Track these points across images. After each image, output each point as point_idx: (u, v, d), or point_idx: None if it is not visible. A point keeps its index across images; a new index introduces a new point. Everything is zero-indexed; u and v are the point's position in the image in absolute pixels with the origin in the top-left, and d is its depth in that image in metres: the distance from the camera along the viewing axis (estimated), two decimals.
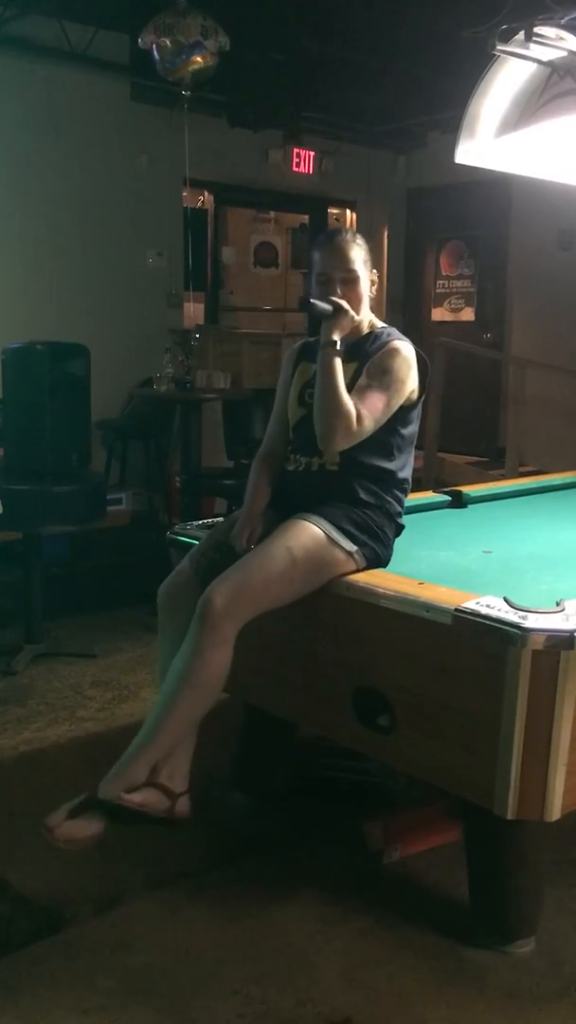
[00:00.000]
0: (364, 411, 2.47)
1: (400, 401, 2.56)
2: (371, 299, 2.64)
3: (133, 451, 6.57)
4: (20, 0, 5.47)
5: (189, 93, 5.20)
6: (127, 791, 2.33)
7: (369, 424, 2.49)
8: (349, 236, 2.63)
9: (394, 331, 2.66)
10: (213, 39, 4.92)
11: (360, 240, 2.64)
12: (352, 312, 2.54)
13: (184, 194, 6.85)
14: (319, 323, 2.61)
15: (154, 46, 4.96)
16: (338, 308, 2.51)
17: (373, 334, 2.64)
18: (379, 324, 2.69)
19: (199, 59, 4.96)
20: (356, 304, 2.57)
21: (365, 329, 2.65)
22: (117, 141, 6.33)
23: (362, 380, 2.53)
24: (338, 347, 2.49)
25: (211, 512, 5.61)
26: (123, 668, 4.12)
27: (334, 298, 2.53)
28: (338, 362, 2.48)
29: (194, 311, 7.46)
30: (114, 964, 2.22)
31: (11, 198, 5.93)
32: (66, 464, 4.16)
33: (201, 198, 7.80)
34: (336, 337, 2.50)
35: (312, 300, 2.53)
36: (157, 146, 6.43)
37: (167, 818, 2.41)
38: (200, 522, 3.02)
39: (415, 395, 2.62)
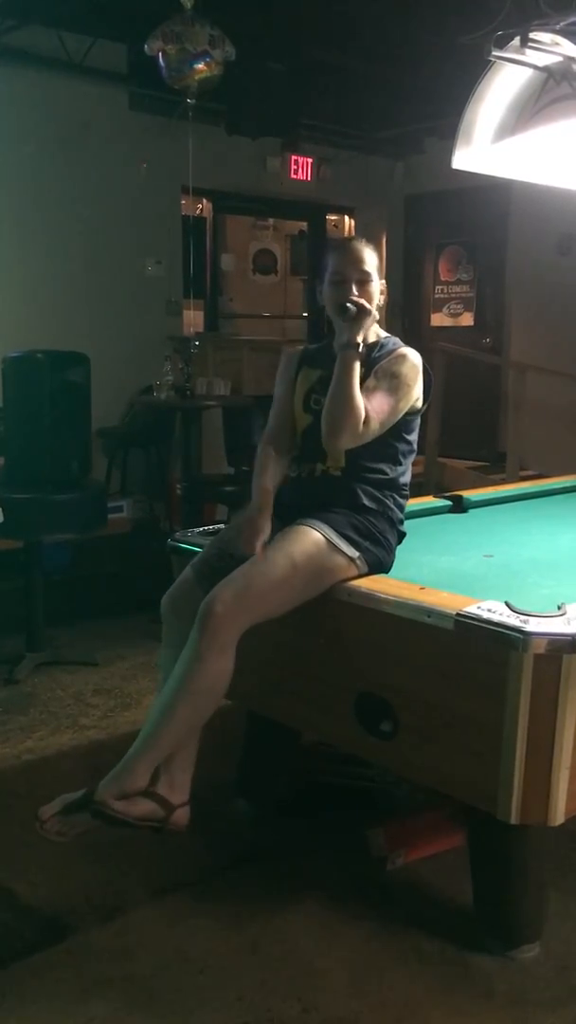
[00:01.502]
0: (372, 413, 2.50)
1: (407, 406, 2.58)
2: (379, 308, 2.63)
3: (134, 459, 6.58)
4: (18, 11, 5.49)
5: (194, 101, 5.21)
6: (123, 796, 2.31)
7: (375, 426, 2.51)
8: (364, 242, 2.67)
9: (399, 340, 2.69)
10: (220, 48, 4.93)
11: (374, 248, 2.67)
12: (374, 312, 2.56)
13: (183, 202, 6.87)
14: (323, 330, 2.63)
15: (160, 53, 4.97)
16: (361, 308, 2.51)
17: (379, 343, 2.66)
18: (383, 334, 2.71)
19: (206, 68, 4.97)
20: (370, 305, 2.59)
21: (371, 338, 2.65)
22: (116, 150, 6.35)
23: (370, 382, 2.54)
24: (360, 349, 2.50)
25: (212, 519, 5.62)
26: (125, 675, 4.12)
27: (357, 299, 2.53)
28: (357, 364, 2.49)
29: (194, 318, 7.47)
30: (118, 972, 2.21)
31: (11, 207, 5.95)
32: (67, 472, 4.17)
33: (200, 206, 7.82)
34: (359, 339, 2.51)
35: (347, 304, 2.52)
36: (156, 155, 6.45)
37: (161, 828, 2.38)
38: (201, 529, 3.02)
39: (419, 403, 2.63)
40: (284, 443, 2.70)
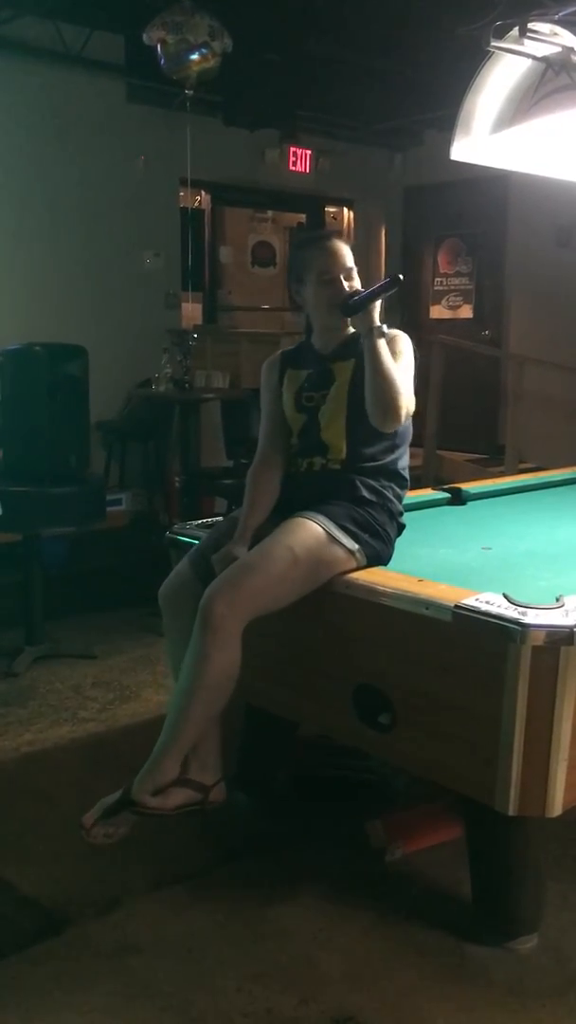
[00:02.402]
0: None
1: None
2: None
3: (132, 452, 6.57)
4: (14, 1, 5.47)
5: (192, 92, 5.19)
6: (157, 791, 2.38)
7: (412, 400, 2.57)
8: (338, 238, 2.72)
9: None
10: (219, 40, 4.92)
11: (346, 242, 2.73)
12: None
13: (181, 194, 6.85)
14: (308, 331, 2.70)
15: (160, 43, 4.94)
16: (396, 280, 2.54)
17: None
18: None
19: (205, 59, 4.95)
20: None
21: (352, 328, 2.65)
22: (113, 142, 6.33)
23: None
24: (384, 330, 2.53)
25: (211, 512, 5.61)
26: (124, 668, 4.12)
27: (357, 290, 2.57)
28: (384, 343, 2.53)
29: (192, 311, 7.45)
30: (117, 964, 2.22)
31: (8, 200, 5.93)
32: (65, 465, 4.16)
33: (198, 198, 7.80)
34: (378, 322, 2.54)
35: (354, 300, 2.55)
36: (153, 147, 6.43)
37: (202, 809, 2.47)
38: (199, 522, 3.02)
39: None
40: (277, 461, 2.70)
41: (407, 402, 2.53)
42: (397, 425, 2.55)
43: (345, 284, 2.60)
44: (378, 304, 2.55)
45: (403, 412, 2.52)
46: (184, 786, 2.43)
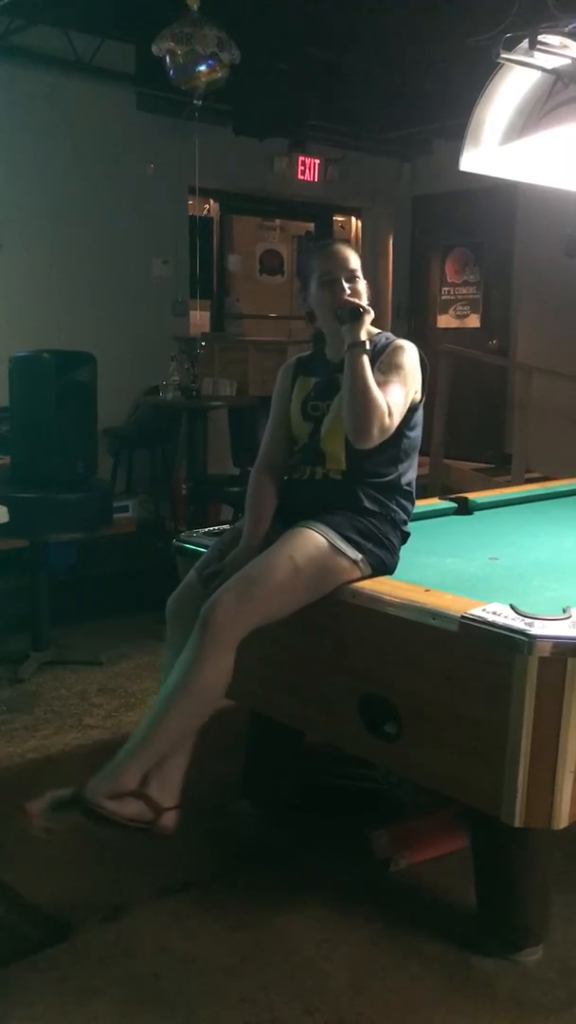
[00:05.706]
0: (391, 406, 2.50)
1: (411, 397, 2.59)
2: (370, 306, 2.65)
3: (139, 459, 6.58)
4: (26, 10, 5.50)
5: (200, 102, 5.22)
6: (113, 796, 2.27)
7: (397, 418, 2.52)
8: (345, 243, 2.73)
9: (391, 335, 2.70)
10: (227, 51, 4.94)
11: (354, 249, 2.73)
12: (370, 310, 2.58)
13: (190, 202, 6.88)
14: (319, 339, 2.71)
15: (168, 54, 4.97)
16: (360, 310, 2.54)
17: (372, 339, 2.63)
18: (374, 330, 2.69)
19: (213, 70, 4.97)
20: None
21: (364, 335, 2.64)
22: (123, 150, 6.37)
23: (378, 377, 2.53)
24: (367, 346, 2.52)
25: (217, 519, 5.63)
26: (129, 675, 4.12)
27: (354, 300, 2.56)
28: (366, 359, 2.50)
29: (200, 319, 7.48)
30: (120, 972, 2.22)
31: (18, 207, 5.96)
32: (72, 472, 4.17)
33: (207, 206, 7.83)
34: (363, 337, 2.53)
35: (344, 306, 2.55)
36: (163, 155, 6.47)
37: (149, 830, 2.32)
38: (206, 529, 3.03)
39: (418, 396, 2.64)
40: (279, 466, 2.70)
41: (380, 423, 2.46)
42: (367, 444, 2.49)
43: (347, 286, 2.59)
44: (366, 320, 2.53)
45: (374, 432, 2.46)
46: (139, 799, 2.30)
